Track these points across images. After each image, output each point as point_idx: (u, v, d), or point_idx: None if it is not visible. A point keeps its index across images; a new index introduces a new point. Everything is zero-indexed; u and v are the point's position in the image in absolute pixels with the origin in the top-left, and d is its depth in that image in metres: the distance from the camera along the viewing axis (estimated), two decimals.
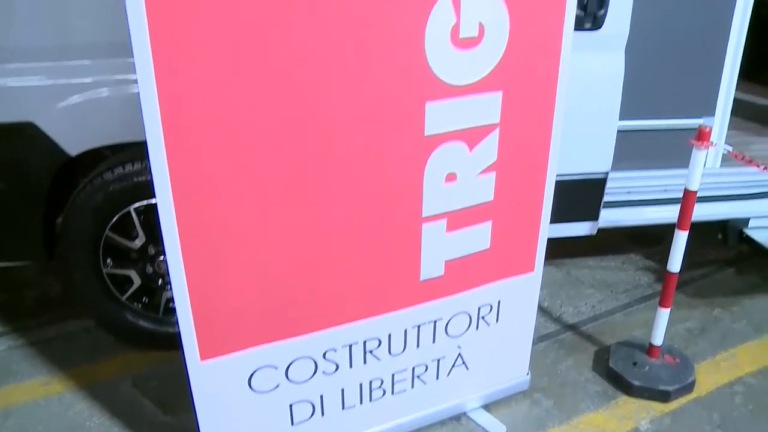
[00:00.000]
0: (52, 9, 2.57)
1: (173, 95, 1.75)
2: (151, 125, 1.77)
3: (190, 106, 1.79)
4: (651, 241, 4.31)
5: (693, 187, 2.76)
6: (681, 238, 2.85)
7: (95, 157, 2.85)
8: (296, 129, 1.96)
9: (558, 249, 3.42)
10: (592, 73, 3.02)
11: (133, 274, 3.00)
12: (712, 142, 2.73)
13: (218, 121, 1.85)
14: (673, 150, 3.32)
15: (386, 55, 2.01)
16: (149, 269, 3.01)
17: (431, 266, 2.38)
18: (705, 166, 3.49)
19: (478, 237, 2.45)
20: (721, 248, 4.18)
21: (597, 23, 2.94)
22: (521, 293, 2.71)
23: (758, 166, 2.93)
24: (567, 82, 2.34)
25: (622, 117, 3.18)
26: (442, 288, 2.46)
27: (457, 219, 2.35)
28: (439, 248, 2.36)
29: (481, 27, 2.11)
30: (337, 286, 2.26)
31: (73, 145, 2.75)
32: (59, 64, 2.64)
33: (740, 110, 4.77)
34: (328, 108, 1.98)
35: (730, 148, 3.04)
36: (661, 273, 3.18)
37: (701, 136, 2.71)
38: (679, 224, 2.84)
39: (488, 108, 2.24)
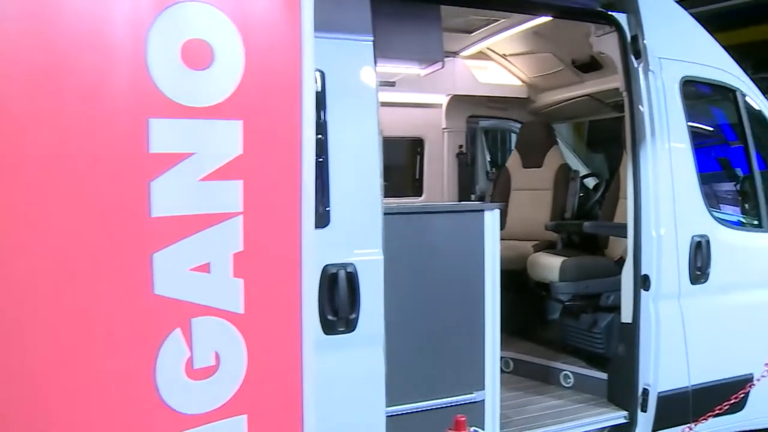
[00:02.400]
0: None
1: None
2: None
3: None
4: None
5: None
6: None
7: None
8: None
9: None
10: (351, 372, 3.16)
11: None
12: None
13: None
14: None
15: (115, 389, 2.01)
16: None
17: None
18: None
19: None
20: None
21: (350, 326, 3.13)
22: None
23: None
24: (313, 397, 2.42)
25: (393, 403, 3.30)
26: None
27: None
28: None
29: (217, 356, 2.18)
30: None
31: None
32: None
33: (520, 369, 5.10)
34: None
35: None
36: None
37: (457, 426, 2.83)
38: None
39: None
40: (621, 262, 4.44)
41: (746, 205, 4.78)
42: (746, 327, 4.53)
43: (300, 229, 2.37)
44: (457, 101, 6.39)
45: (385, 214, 3.26)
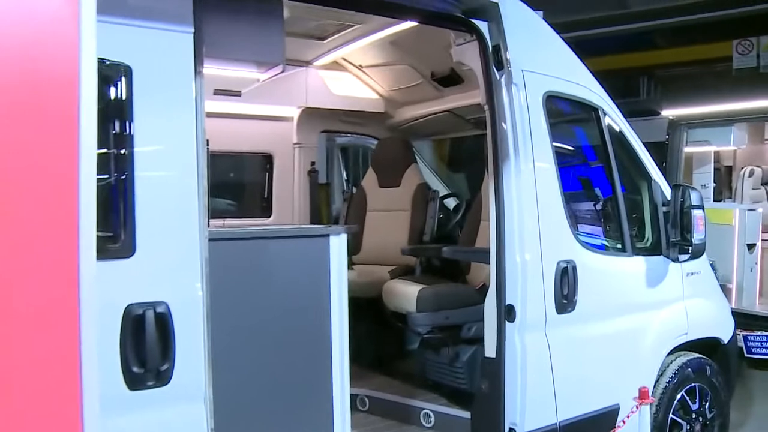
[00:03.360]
0: None
1: None
2: None
3: None
4: None
5: None
6: None
7: None
8: None
9: None
10: None
11: None
12: None
13: None
14: None
15: None
16: None
17: None
18: None
19: None
20: None
21: (162, 379, 2.58)
22: None
23: None
24: None
25: None
26: None
27: None
28: None
29: None
30: None
31: None
32: None
33: (376, 408, 4.69)
34: None
35: None
36: None
37: None
38: None
39: None
40: (483, 289, 4.09)
41: (609, 228, 4.56)
42: (612, 356, 4.28)
43: (77, 263, 1.80)
44: (310, 114, 5.89)
45: (210, 240, 2.73)
